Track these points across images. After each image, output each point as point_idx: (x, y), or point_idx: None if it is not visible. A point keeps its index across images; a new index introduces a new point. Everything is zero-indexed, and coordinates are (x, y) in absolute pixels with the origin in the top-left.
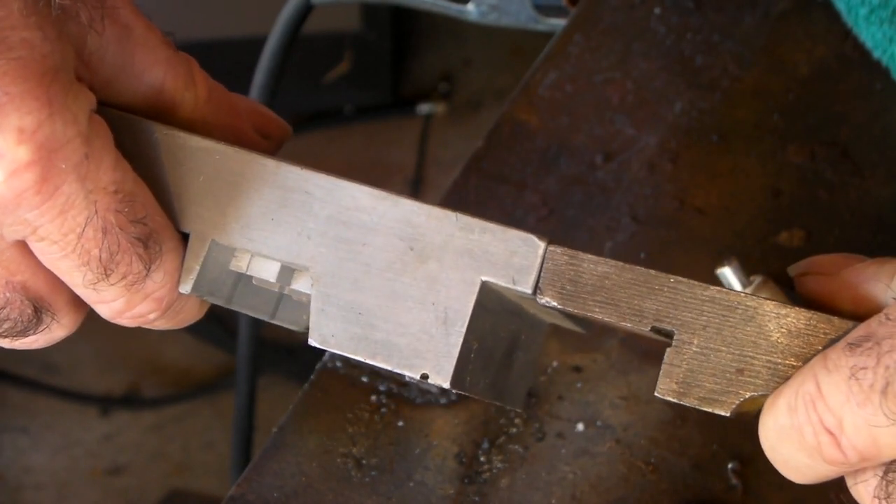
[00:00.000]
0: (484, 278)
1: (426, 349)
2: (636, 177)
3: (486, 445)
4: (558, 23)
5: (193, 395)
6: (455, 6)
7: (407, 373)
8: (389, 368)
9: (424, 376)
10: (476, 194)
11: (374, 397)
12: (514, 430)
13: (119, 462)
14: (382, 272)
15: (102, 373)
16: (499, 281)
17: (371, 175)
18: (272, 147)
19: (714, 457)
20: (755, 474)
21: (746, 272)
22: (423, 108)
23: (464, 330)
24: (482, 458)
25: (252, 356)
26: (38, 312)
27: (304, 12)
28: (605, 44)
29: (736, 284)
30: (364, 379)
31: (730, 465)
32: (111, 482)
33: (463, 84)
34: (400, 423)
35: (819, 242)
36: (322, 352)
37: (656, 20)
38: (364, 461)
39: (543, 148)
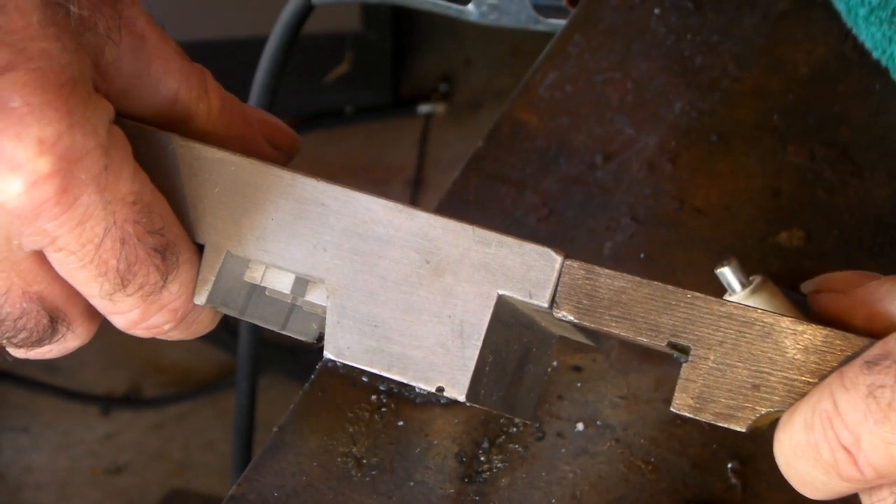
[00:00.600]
0: (500, 292)
1: (442, 362)
2: (636, 177)
3: (486, 445)
4: (558, 23)
5: (194, 394)
6: (455, 6)
7: (422, 386)
8: (405, 381)
9: (440, 389)
10: (476, 194)
11: (374, 397)
12: (514, 429)
13: (120, 461)
14: (398, 285)
15: (103, 372)
16: (515, 295)
17: (371, 176)
18: (282, 158)
19: (714, 456)
20: (755, 474)
21: (746, 272)
22: (424, 108)
23: (480, 343)
24: (482, 458)
25: (253, 356)
26: (54, 322)
27: (305, 12)
28: (605, 44)
29: (735, 284)
30: (364, 379)
31: (729, 465)
32: (112, 481)
33: (463, 84)
34: (400, 423)
35: (819, 243)
36: (321, 351)
37: (656, 20)
38: (364, 461)
39: (543, 148)
